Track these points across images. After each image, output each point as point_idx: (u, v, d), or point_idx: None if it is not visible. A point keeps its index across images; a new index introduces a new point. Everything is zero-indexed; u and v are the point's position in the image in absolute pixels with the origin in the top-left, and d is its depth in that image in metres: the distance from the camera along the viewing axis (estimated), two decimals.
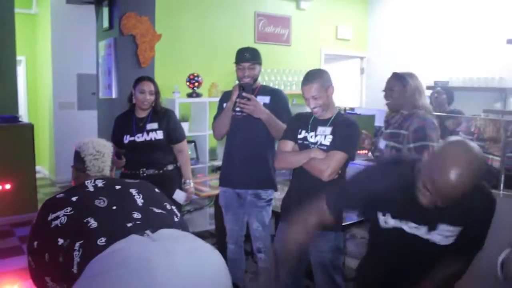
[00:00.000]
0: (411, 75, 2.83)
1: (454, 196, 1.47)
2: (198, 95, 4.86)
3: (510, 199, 2.89)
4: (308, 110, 2.52)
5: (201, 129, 4.96)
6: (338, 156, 2.33)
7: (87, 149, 1.94)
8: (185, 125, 3.63)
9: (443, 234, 1.69)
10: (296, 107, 4.74)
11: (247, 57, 2.93)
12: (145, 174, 3.19)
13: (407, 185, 1.61)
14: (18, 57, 5.98)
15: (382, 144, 2.84)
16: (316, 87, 2.35)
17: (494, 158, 3.09)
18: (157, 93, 3.25)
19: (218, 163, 4.72)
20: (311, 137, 2.45)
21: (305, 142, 2.46)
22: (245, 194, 3.02)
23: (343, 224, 2.76)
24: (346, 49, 7.00)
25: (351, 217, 3.17)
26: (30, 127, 5.20)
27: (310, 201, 2.39)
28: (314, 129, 2.46)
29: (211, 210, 4.73)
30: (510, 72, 5.34)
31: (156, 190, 1.94)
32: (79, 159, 1.94)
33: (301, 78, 2.47)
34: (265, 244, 3.06)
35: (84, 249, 1.50)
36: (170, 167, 3.32)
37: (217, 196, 3.35)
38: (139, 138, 3.20)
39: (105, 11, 4.62)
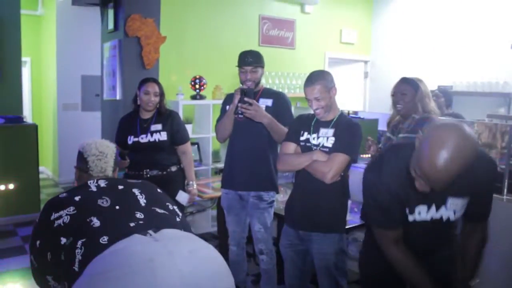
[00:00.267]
0: (419, 80, 2.85)
1: (445, 181, 1.44)
2: (202, 98, 4.87)
3: None
4: (310, 111, 2.51)
5: (204, 132, 4.97)
6: (341, 159, 2.32)
7: (90, 149, 1.94)
8: (188, 127, 3.65)
9: (453, 209, 1.70)
10: (300, 110, 4.74)
11: (249, 60, 2.94)
12: (148, 175, 3.20)
13: (408, 183, 1.62)
14: (23, 58, 6.01)
15: None
16: (318, 89, 2.33)
17: None
18: (161, 94, 3.27)
19: (221, 165, 4.72)
20: (313, 139, 2.44)
21: (307, 144, 2.45)
22: (247, 196, 3.02)
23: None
24: (350, 53, 7.00)
25: (353, 220, 3.17)
26: (34, 128, 5.23)
27: (313, 203, 2.41)
28: (316, 131, 2.44)
29: (213, 212, 4.73)
30: None
31: (159, 190, 1.94)
32: (82, 159, 1.95)
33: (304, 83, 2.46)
34: (267, 246, 3.06)
35: (86, 247, 1.50)
36: (173, 168, 3.32)
37: (219, 198, 3.35)
38: (143, 139, 3.21)
39: (110, 13, 4.64)
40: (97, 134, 5.26)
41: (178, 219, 1.80)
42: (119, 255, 1.44)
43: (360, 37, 7.07)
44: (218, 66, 5.37)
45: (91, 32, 6.01)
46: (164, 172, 3.26)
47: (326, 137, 2.40)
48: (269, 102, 2.96)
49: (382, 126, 5.56)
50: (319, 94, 2.34)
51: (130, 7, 4.40)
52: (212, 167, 5.03)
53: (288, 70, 5.99)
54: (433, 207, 1.70)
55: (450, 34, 6.05)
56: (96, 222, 1.58)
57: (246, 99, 2.80)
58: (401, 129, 2.84)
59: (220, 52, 5.45)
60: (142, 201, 1.77)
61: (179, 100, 4.71)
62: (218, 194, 3.58)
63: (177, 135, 3.31)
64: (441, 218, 1.71)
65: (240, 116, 2.90)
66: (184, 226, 1.78)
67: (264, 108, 2.88)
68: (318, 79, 2.35)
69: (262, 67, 3.00)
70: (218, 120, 3.12)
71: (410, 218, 1.74)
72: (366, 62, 7.24)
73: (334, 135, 2.38)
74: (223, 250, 3.16)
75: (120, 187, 1.82)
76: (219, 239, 3.98)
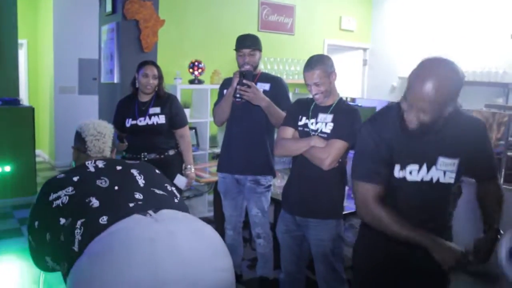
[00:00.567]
0: None
1: (431, 105, 1.54)
2: (200, 82, 4.85)
3: (510, 192, 2.89)
4: (309, 96, 2.49)
5: (202, 116, 4.95)
6: (339, 145, 2.31)
7: (88, 129, 1.94)
8: (186, 112, 3.63)
9: (443, 169, 1.71)
10: (299, 96, 4.72)
11: (247, 43, 2.93)
12: (146, 159, 3.20)
13: (399, 124, 1.68)
14: (20, 40, 5.95)
15: None
16: (318, 74, 2.30)
17: None
18: (160, 77, 3.25)
19: (219, 150, 4.71)
20: (312, 124, 2.42)
21: (306, 129, 2.43)
22: (244, 180, 3.02)
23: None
24: (349, 40, 6.97)
25: (350, 207, 3.17)
26: (30, 110, 5.21)
27: (310, 189, 2.40)
28: (315, 116, 2.42)
29: (210, 197, 4.74)
30: None
31: (157, 171, 1.94)
32: (80, 139, 1.94)
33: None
34: (264, 230, 3.08)
35: (85, 228, 1.50)
36: (171, 152, 3.32)
37: (216, 183, 3.36)
38: (141, 122, 3.20)
39: None
40: (94, 118, 5.20)
41: (176, 200, 1.80)
42: (119, 235, 1.45)
43: (359, 25, 7.02)
44: (217, 51, 5.33)
45: (89, 15, 5.94)
46: (162, 156, 3.26)
47: (324, 123, 2.38)
48: (266, 86, 2.95)
49: None
50: (319, 79, 2.31)
51: None
52: (210, 151, 5.03)
53: (287, 56, 5.96)
54: (424, 167, 1.72)
55: (450, 23, 6.01)
56: (95, 203, 1.58)
57: (245, 81, 2.79)
58: None
59: (219, 37, 5.40)
60: (141, 181, 1.77)
61: (177, 84, 4.69)
62: (215, 178, 3.59)
63: (176, 119, 3.30)
64: (431, 180, 1.73)
65: (237, 99, 2.90)
66: (182, 207, 1.78)
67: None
68: (318, 63, 2.32)
69: (260, 50, 2.99)
70: (216, 104, 3.11)
71: (401, 174, 1.74)
72: (365, 49, 7.21)
73: (333, 120, 2.36)
74: (220, 234, 3.17)
75: (119, 167, 1.82)
76: (215, 224, 4.00)
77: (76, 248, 1.48)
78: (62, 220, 1.57)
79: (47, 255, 1.71)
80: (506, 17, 5.42)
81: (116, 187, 1.69)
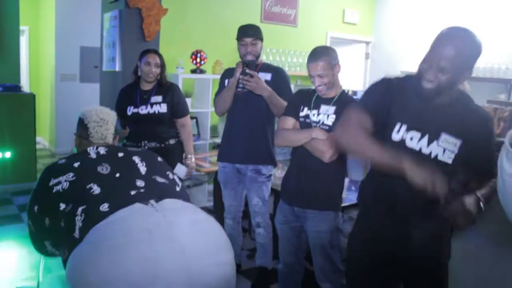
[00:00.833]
0: None
1: (452, 58, 1.59)
2: (202, 72, 4.83)
3: None
4: (311, 87, 2.48)
5: (203, 106, 4.95)
6: None
7: (91, 116, 1.93)
8: (187, 102, 3.63)
9: (443, 146, 1.71)
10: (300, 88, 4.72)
11: (250, 32, 2.93)
12: (146, 147, 3.19)
13: (414, 88, 1.71)
14: (21, 27, 5.94)
15: None
16: (322, 65, 2.29)
17: None
18: (162, 66, 3.24)
19: (219, 140, 4.71)
20: (314, 115, 2.41)
21: (307, 120, 2.42)
22: (245, 169, 3.03)
23: (342, 205, 2.74)
24: (352, 34, 6.94)
25: (349, 198, 3.18)
26: (32, 97, 5.21)
27: (310, 180, 2.40)
28: (317, 107, 2.41)
29: (210, 187, 4.74)
30: None
31: (159, 158, 1.94)
32: (82, 125, 1.94)
33: (306, 60, 2.41)
34: (264, 219, 3.09)
35: (86, 215, 1.50)
36: (172, 141, 3.32)
37: (216, 172, 3.36)
38: (143, 110, 3.20)
39: None
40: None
41: (178, 189, 1.80)
42: (118, 224, 1.45)
43: (362, 18, 6.99)
44: (219, 41, 5.31)
45: (91, 2, 5.92)
46: (163, 145, 3.26)
47: (326, 115, 2.37)
48: (268, 76, 2.95)
49: None
50: (323, 71, 2.30)
51: None
52: (210, 141, 5.03)
53: (289, 48, 5.94)
54: (426, 139, 1.73)
55: (453, 18, 5.98)
56: (96, 189, 1.58)
57: (247, 71, 2.79)
58: None
59: (221, 27, 5.38)
60: (143, 169, 1.76)
61: (179, 73, 4.68)
62: (216, 168, 3.59)
63: (177, 108, 3.29)
64: (430, 154, 1.72)
65: (239, 89, 2.90)
66: (183, 196, 1.78)
67: None
68: (322, 55, 2.31)
69: (262, 40, 2.99)
70: (217, 94, 3.10)
71: (401, 136, 1.74)
72: (367, 43, 7.18)
73: (335, 113, 2.35)
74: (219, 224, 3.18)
75: (120, 154, 1.81)
76: (215, 214, 4.01)
77: (77, 234, 1.48)
78: (62, 206, 1.57)
79: (46, 239, 1.72)
80: (509, 13, 5.40)
81: (117, 174, 1.69)
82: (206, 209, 4.63)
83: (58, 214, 1.57)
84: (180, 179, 3.29)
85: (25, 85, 7.07)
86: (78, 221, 1.49)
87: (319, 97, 2.42)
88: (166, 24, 4.65)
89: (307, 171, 2.42)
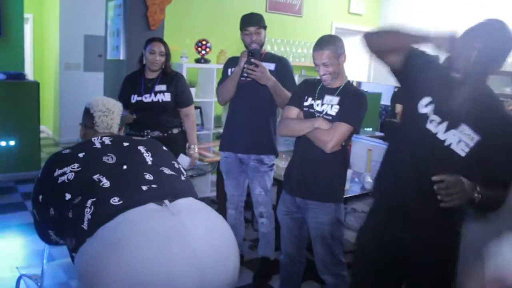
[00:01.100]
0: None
1: (482, 48, 1.57)
2: (206, 61, 4.81)
3: None
4: (316, 77, 2.46)
5: (207, 96, 4.94)
6: (343, 128, 2.29)
7: (97, 105, 1.93)
8: (191, 91, 3.62)
9: (459, 137, 1.70)
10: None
11: (253, 21, 2.91)
12: (149, 136, 3.18)
13: (445, 75, 1.70)
14: (25, 15, 5.91)
15: None
16: (327, 54, 2.27)
17: None
18: (167, 54, 3.23)
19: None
20: (317, 105, 2.39)
21: (311, 110, 2.41)
22: (248, 159, 3.02)
23: (345, 196, 2.74)
24: (357, 24, 6.87)
25: (352, 190, 3.18)
26: (36, 85, 5.21)
27: (312, 171, 2.39)
28: (321, 97, 2.40)
29: (213, 177, 4.75)
30: None
31: (164, 148, 1.94)
32: (88, 115, 1.94)
33: (311, 51, 2.39)
34: (267, 209, 3.09)
35: (96, 207, 1.50)
36: (175, 130, 3.31)
37: (219, 163, 3.36)
38: (147, 98, 3.19)
39: None
40: (99, 95, 5.19)
41: (183, 178, 1.79)
42: (134, 225, 1.44)
43: (368, 9, 6.93)
44: (224, 30, 5.27)
45: None
46: (166, 134, 3.25)
47: (330, 105, 2.36)
48: (271, 66, 2.93)
49: (385, 101, 5.54)
50: (328, 60, 2.28)
51: None
52: (214, 131, 5.02)
53: (294, 38, 5.90)
54: (445, 124, 1.72)
55: (459, 10, 5.93)
56: (105, 183, 1.57)
57: (253, 60, 2.77)
58: None
59: (226, 17, 5.34)
60: (149, 159, 1.76)
61: (183, 63, 4.66)
62: (219, 158, 3.58)
63: (182, 97, 3.28)
64: (444, 141, 1.72)
65: (242, 78, 2.89)
66: (188, 185, 1.78)
67: None
68: (328, 44, 2.29)
69: (265, 28, 2.97)
70: (220, 83, 3.09)
71: (426, 110, 1.76)
72: None
73: (339, 103, 2.34)
74: (221, 214, 3.19)
75: (125, 144, 1.81)
76: (218, 205, 4.01)
77: (85, 226, 1.48)
78: (68, 196, 1.57)
79: (50, 229, 1.72)
80: None
81: (124, 166, 1.68)
82: (208, 199, 4.67)
83: (64, 204, 1.57)
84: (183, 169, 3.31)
85: (29, 73, 7.05)
86: (87, 213, 1.49)
87: (324, 87, 2.40)
88: (170, 13, 4.62)
89: (309, 161, 2.42)
